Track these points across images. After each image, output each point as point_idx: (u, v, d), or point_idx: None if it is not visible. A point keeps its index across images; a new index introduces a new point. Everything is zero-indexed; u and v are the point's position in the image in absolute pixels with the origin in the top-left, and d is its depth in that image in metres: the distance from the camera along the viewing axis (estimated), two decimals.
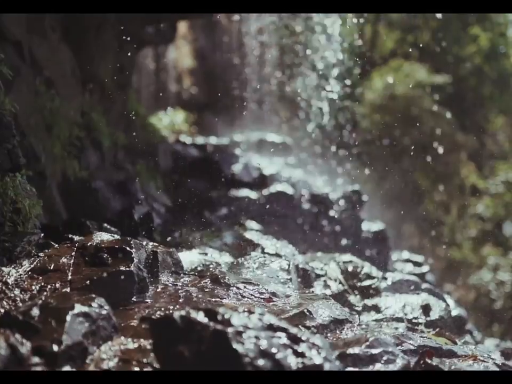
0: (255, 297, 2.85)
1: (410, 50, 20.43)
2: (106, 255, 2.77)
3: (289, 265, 3.35)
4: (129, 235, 4.14)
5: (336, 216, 6.94)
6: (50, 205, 4.95)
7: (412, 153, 19.27)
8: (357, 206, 7.16)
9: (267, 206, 6.56)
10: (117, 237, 3.15)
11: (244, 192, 6.64)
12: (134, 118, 7.48)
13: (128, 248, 2.81)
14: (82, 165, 5.48)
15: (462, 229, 20.67)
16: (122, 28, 7.36)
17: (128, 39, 7.73)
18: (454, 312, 6.51)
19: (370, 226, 7.21)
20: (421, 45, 20.20)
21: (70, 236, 3.22)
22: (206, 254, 3.90)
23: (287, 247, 4.06)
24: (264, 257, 3.42)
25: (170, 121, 10.62)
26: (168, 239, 4.49)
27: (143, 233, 4.31)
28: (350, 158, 12.60)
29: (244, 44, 13.27)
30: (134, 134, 6.87)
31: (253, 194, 6.66)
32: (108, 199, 5.30)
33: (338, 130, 11.68)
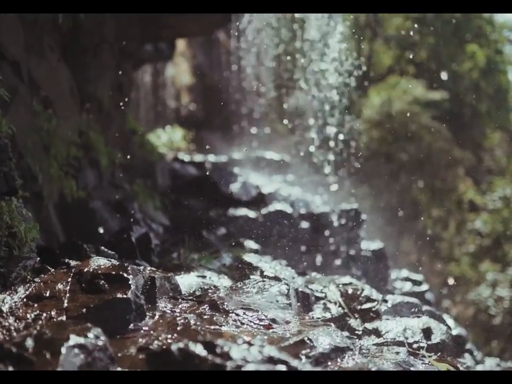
0: (255, 324, 2.81)
1: (407, 67, 20.55)
2: (103, 281, 2.72)
3: (288, 289, 3.30)
4: (127, 257, 4.11)
5: (335, 235, 6.90)
6: (47, 226, 4.91)
7: (409, 169, 19.31)
8: (356, 224, 7.13)
9: (266, 225, 6.51)
10: (114, 261, 3.10)
11: (242, 211, 6.60)
12: (132, 136, 7.46)
13: (125, 275, 2.77)
14: (80, 184, 5.44)
15: (460, 244, 20.64)
16: (120, 46, 7.38)
17: (127, 57, 7.74)
18: (454, 332, 6.46)
19: (369, 245, 7.18)
20: (418, 62, 20.31)
21: (66, 260, 3.17)
22: (204, 277, 3.85)
23: (286, 269, 4.02)
24: (264, 281, 3.37)
25: (168, 139, 10.61)
26: (166, 261, 4.45)
27: (141, 255, 4.27)
28: (348, 174, 12.59)
29: (242, 60, 13.30)
30: (132, 152, 6.84)
31: (251, 213, 6.62)
32: (105, 220, 5.25)
33: (336, 147, 11.68)
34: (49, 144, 4.75)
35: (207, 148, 10.98)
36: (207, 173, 7.30)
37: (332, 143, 10.90)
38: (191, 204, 6.67)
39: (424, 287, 7.61)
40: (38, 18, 5.33)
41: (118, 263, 2.99)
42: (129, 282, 2.72)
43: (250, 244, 6.04)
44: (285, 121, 13.74)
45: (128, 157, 6.65)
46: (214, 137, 12.85)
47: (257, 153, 10.18)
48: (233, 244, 5.57)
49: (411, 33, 19.94)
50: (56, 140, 4.78)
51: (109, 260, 3.11)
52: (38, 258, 3.28)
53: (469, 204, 20.91)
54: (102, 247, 3.78)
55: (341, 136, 11.42)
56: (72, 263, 3.16)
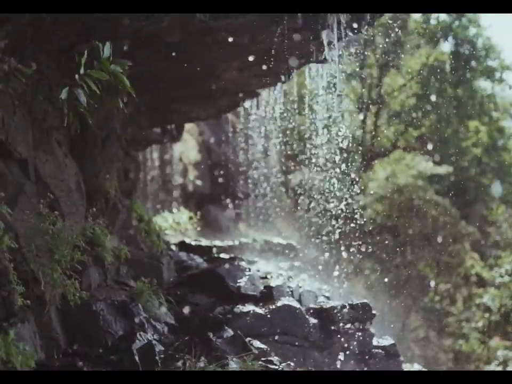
0: None
1: (411, 142, 20.77)
2: None
3: None
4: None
5: (345, 332, 6.67)
6: (48, 332, 4.73)
7: (415, 244, 19.14)
8: (366, 319, 6.91)
9: (273, 322, 6.31)
10: None
11: (250, 308, 6.40)
12: (138, 224, 7.39)
13: None
14: (84, 284, 5.29)
15: (468, 320, 20.21)
16: (128, 135, 7.40)
17: (134, 145, 7.76)
18: None
19: (380, 341, 6.93)
20: (421, 137, 20.54)
21: None
22: None
23: None
24: None
25: (174, 221, 10.56)
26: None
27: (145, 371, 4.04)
28: (355, 251, 12.41)
29: (249, 138, 13.39)
30: (137, 244, 6.74)
31: (258, 309, 6.42)
32: (109, 323, 5.05)
33: (342, 224, 11.57)
34: (53, 248, 4.63)
35: (214, 228, 10.91)
36: (214, 267, 7.16)
37: (338, 220, 10.80)
38: (197, 299, 6.48)
39: None
40: (47, 117, 5.33)
41: None
42: None
43: (258, 343, 5.84)
44: (292, 200, 13.72)
45: (133, 249, 6.54)
46: (221, 215, 12.81)
47: (264, 237, 10.08)
48: (240, 346, 5.37)
49: (414, 109, 20.26)
50: (60, 243, 4.66)
51: None
52: None
53: (476, 279, 20.60)
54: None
55: (346, 212, 11.32)
56: None
